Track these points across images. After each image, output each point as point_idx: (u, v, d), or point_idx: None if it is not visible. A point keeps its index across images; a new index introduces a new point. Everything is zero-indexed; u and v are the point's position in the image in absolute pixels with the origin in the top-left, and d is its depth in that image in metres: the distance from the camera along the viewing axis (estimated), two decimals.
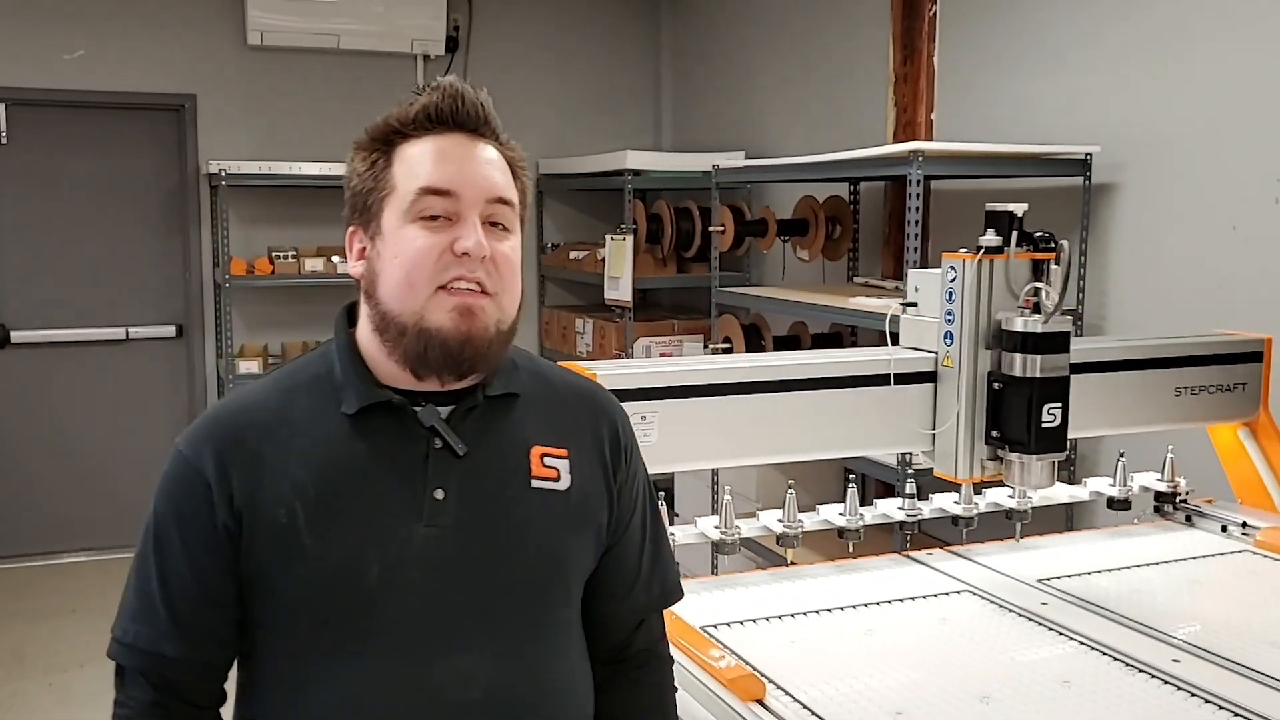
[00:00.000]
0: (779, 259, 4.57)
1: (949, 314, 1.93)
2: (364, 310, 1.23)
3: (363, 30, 5.35)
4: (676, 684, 1.40)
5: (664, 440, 1.80)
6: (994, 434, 1.90)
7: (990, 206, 1.91)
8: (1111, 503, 2.27)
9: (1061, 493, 2.26)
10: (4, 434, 5.20)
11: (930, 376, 1.97)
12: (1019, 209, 1.89)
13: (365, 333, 1.23)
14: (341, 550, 1.15)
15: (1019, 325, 1.85)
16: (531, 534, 1.21)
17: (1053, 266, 1.87)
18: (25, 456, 5.19)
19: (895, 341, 2.05)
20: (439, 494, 1.18)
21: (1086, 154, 3.18)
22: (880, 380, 1.96)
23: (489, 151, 1.22)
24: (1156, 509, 2.34)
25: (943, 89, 3.92)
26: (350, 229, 1.24)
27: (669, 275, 5.07)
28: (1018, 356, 1.85)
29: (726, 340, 4.18)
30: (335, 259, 5.11)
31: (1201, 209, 2.98)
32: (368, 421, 1.19)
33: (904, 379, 1.96)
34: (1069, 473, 3.10)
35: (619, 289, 4.88)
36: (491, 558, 1.19)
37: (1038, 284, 1.86)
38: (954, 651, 1.68)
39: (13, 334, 5.17)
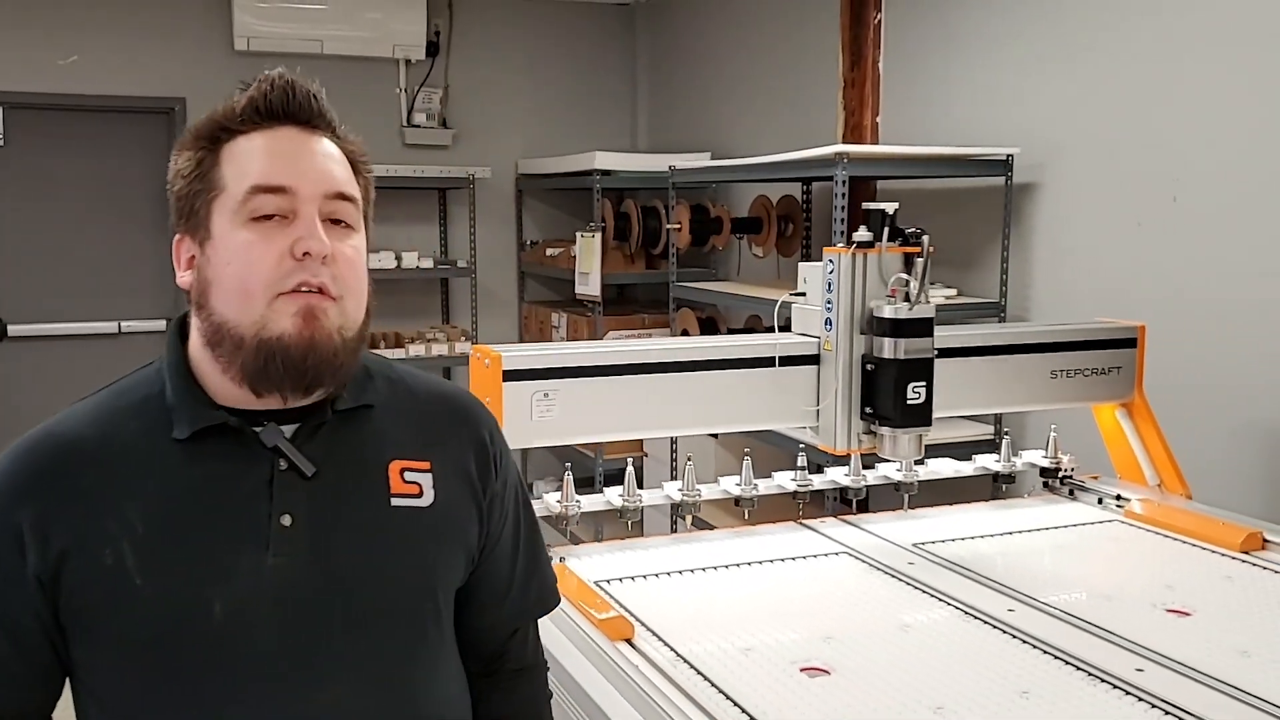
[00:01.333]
0: (739, 255, 4.76)
1: (829, 302, 2.12)
2: (195, 323, 1.14)
3: (346, 35, 5.55)
4: (564, 634, 1.51)
5: (563, 415, 2.01)
6: (867, 410, 2.09)
7: (865, 205, 2.11)
8: (997, 478, 2.46)
9: (947, 468, 2.45)
10: (1, 423, 5.43)
11: (814, 359, 2.17)
12: (890, 207, 2.08)
13: (197, 348, 1.13)
14: (178, 590, 1.06)
15: (887, 312, 2.04)
16: (394, 556, 1.15)
17: (918, 259, 2.06)
18: None
19: (786, 328, 2.24)
20: (286, 520, 1.10)
21: (1008, 155, 3.37)
22: (769, 362, 2.16)
23: (326, 144, 1.14)
24: (1045, 484, 2.53)
25: (887, 93, 4.11)
26: (177, 237, 1.15)
27: (638, 271, 5.27)
28: (886, 340, 2.04)
29: (685, 333, 4.38)
30: None
31: (1110, 206, 3.17)
32: (203, 446, 1.10)
33: (790, 361, 2.16)
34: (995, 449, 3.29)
35: (589, 284, 5.08)
36: (351, 585, 1.12)
37: (904, 275, 2.05)
38: (817, 603, 1.87)
39: (10, 327, 5.37)
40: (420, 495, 1.17)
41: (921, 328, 2.03)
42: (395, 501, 1.15)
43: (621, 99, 6.23)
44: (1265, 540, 2.12)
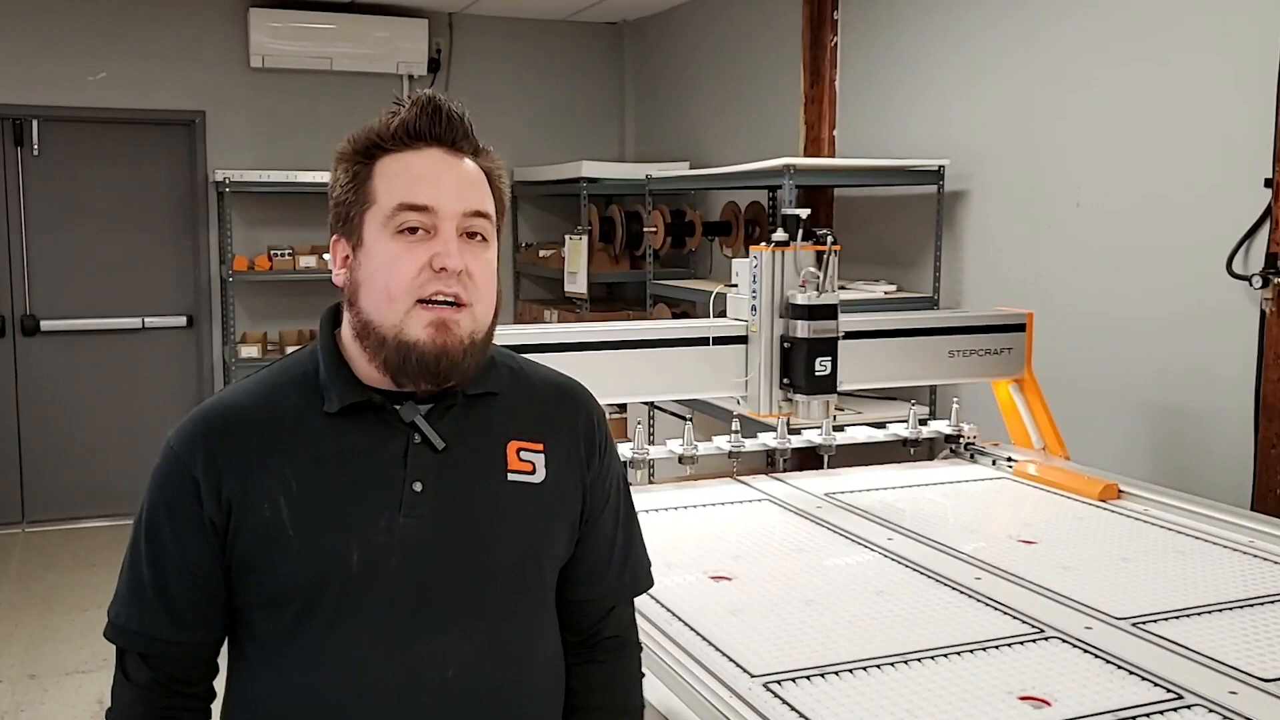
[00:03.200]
0: (711, 255, 5.19)
1: (754, 292, 2.55)
2: (346, 316, 1.28)
3: (354, 53, 5.98)
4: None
5: None
6: (784, 381, 2.52)
7: (784, 211, 2.53)
8: (906, 443, 2.88)
9: (860, 434, 2.87)
10: (33, 412, 5.86)
11: (742, 339, 2.59)
12: (803, 213, 2.51)
13: (348, 335, 1.27)
14: (324, 541, 1.20)
15: (800, 299, 2.46)
16: (506, 524, 1.27)
17: (825, 256, 2.48)
18: (52, 432, 5.84)
19: (723, 314, 2.67)
20: (418, 486, 1.23)
21: (939, 166, 3.79)
22: (705, 342, 2.58)
23: (466, 165, 1.26)
24: (950, 449, 2.95)
25: (843, 109, 4.53)
26: (334, 237, 1.28)
27: (622, 270, 5.70)
28: (798, 323, 2.47)
29: None
30: (326, 256, 5.66)
31: (1026, 210, 3.59)
32: (350, 419, 1.24)
33: (722, 341, 2.58)
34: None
35: (576, 283, 5.50)
36: (468, 546, 1.24)
37: (813, 269, 2.47)
38: (734, 534, 2.29)
39: (42, 323, 5.82)
40: (533, 473, 1.30)
41: (827, 312, 2.46)
42: (511, 477, 1.28)
43: (610, 112, 6.66)
44: (1121, 491, 2.54)
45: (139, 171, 5.93)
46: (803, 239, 2.50)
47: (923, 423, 2.89)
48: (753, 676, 1.61)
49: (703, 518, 2.41)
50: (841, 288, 3.82)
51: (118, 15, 5.69)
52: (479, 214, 1.24)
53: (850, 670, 1.61)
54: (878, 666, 1.62)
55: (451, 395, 1.26)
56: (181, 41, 5.82)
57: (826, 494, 2.57)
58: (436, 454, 1.24)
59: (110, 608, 1.26)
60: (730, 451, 2.70)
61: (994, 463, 2.83)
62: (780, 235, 2.49)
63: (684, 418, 3.13)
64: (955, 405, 2.91)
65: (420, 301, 1.20)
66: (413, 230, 1.21)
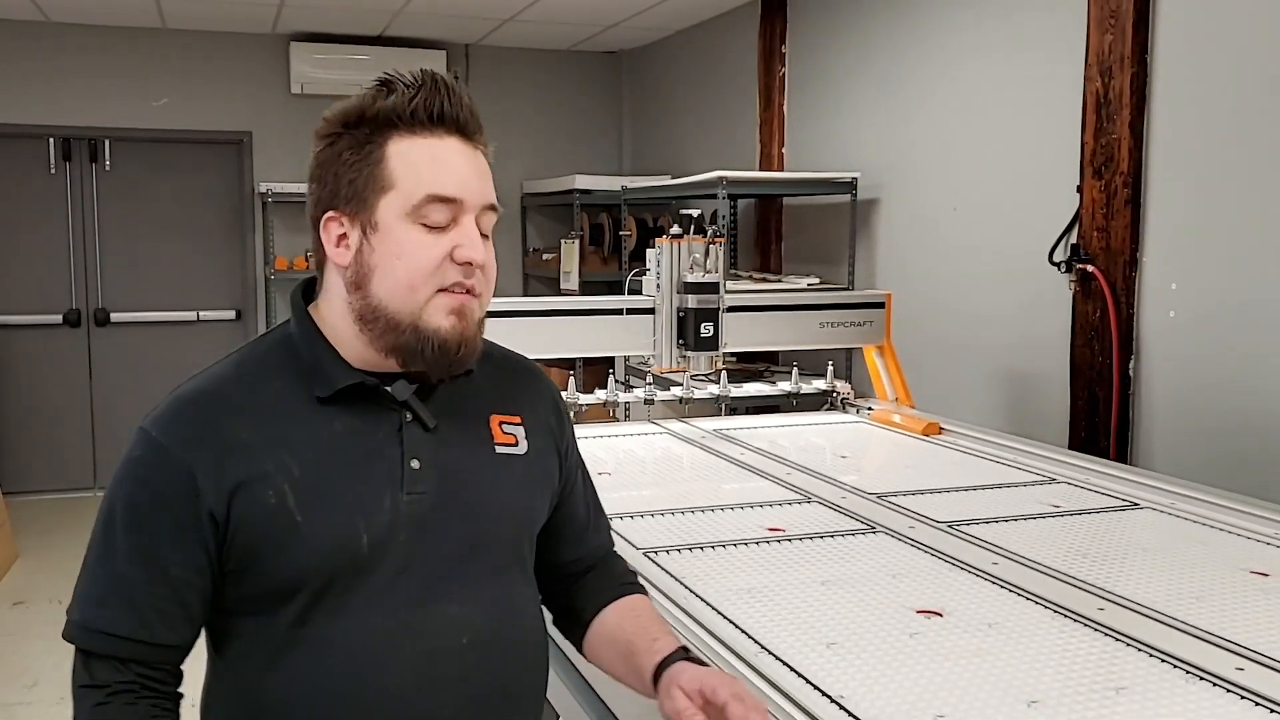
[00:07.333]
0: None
1: (658, 274, 3.32)
2: (342, 296, 1.24)
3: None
4: None
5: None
6: (680, 342, 3.28)
7: (682, 211, 3.30)
8: (791, 397, 3.62)
9: (753, 389, 3.62)
10: (105, 394, 6.75)
11: (650, 310, 3.35)
12: (695, 212, 3.27)
13: (335, 315, 1.25)
14: (336, 526, 1.19)
15: (689, 278, 3.23)
16: (499, 496, 1.31)
17: (711, 246, 3.24)
18: (120, 411, 6.69)
19: (638, 292, 3.44)
20: (415, 464, 1.24)
21: (853, 178, 4.54)
22: (620, 313, 3.35)
23: (482, 159, 1.27)
24: (827, 403, 3.69)
25: (790, 129, 5.29)
26: (328, 213, 1.23)
27: (611, 270, 6.47)
28: (688, 296, 3.23)
29: None
30: None
31: (918, 214, 4.33)
32: (339, 402, 1.23)
33: (634, 312, 3.35)
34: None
35: (570, 281, 6.30)
36: (467, 520, 1.27)
37: (699, 255, 3.24)
38: (637, 454, 3.06)
39: (112, 315, 6.70)
40: (516, 445, 1.34)
41: (710, 288, 3.22)
42: (499, 450, 1.32)
43: (609, 131, 7.47)
44: (942, 428, 3.27)
45: (194, 184, 6.77)
46: (696, 233, 3.27)
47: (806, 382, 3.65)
48: (636, 548, 2.04)
49: (613, 446, 3.18)
50: (776, 280, 4.61)
51: (177, 49, 6.55)
52: (492, 208, 1.27)
53: (714, 548, 2.06)
54: (735, 545, 2.07)
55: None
56: (231, 71, 6.66)
57: (715, 430, 3.32)
58: (428, 432, 1.26)
59: (72, 608, 1.20)
60: (646, 400, 3.47)
61: (858, 411, 3.58)
62: (676, 229, 3.26)
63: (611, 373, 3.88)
64: (830, 367, 3.66)
65: (440, 290, 1.21)
66: (437, 222, 1.21)
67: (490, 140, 1.30)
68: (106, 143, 6.59)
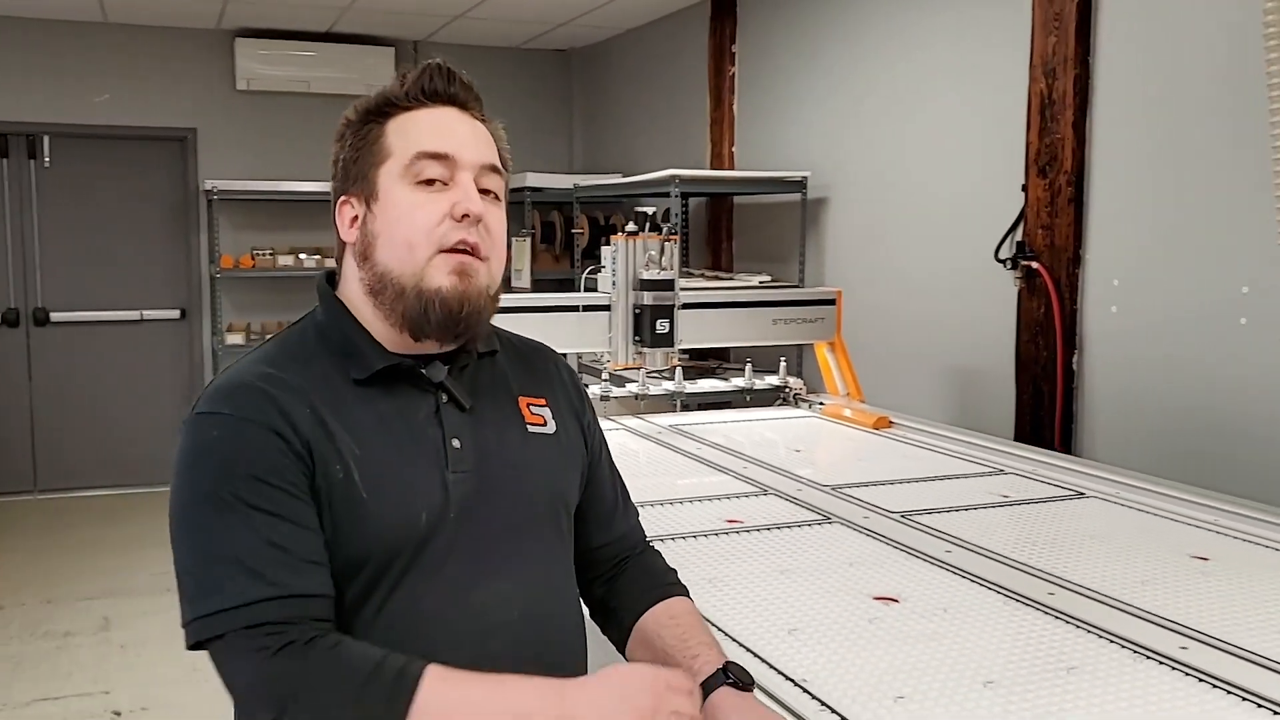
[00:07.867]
0: None
1: (614, 271, 3.34)
2: (356, 275, 1.26)
3: (329, 77, 6.74)
4: None
5: None
6: (636, 338, 3.31)
7: (637, 209, 3.33)
8: (745, 392, 3.67)
9: (708, 385, 3.66)
10: (44, 394, 6.62)
11: (607, 307, 3.38)
12: (650, 209, 3.30)
13: (358, 299, 1.26)
14: (397, 504, 1.20)
15: (645, 275, 3.26)
16: (536, 475, 1.32)
17: (666, 244, 3.27)
18: (60, 411, 6.59)
19: (594, 290, 3.46)
20: (456, 443, 1.25)
21: (803, 177, 4.60)
22: (577, 309, 3.37)
23: (481, 127, 1.29)
24: (780, 399, 3.74)
25: (740, 128, 5.34)
26: (340, 199, 1.26)
27: (563, 268, 6.48)
28: (644, 293, 3.26)
29: None
30: (303, 256, 6.56)
31: (868, 213, 4.40)
32: (377, 385, 1.24)
33: (591, 309, 3.37)
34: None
35: (521, 279, 6.30)
36: (508, 498, 1.28)
37: (655, 252, 3.27)
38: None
39: (52, 315, 6.56)
40: (545, 425, 1.36)
41: (665, 285, 3.25)
42: (531, 429, 1.34)
43: (560, 129, 7.47)
44: (892, 422, 3.33)
45: (137, 181, 6.67)
46: (651, 230, 3.29)
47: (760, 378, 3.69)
48: None
49: None
50: (728, 278, 4.65)
51: (119, 44, 6.44)
52: (494, 169, 1.27)
53: (674, 540, 2.25)
54: (694, 537, 2.15)
55: (465, 355, 1.30)
56: (176, 67, 6.57)
57: (670, 425, 3.35)
58: (464, 412, 1.28)
59: (194, 607, 1.12)
60: (603, 396, 3.49)
61: (811, 406, 3.63)
62: (631, 227, 3.29)
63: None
64: (783, 363, 3.71)
65: (442, 250, 1.21)
66: (430, 181, 1.22)
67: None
68: (46, 139, 6.47)
